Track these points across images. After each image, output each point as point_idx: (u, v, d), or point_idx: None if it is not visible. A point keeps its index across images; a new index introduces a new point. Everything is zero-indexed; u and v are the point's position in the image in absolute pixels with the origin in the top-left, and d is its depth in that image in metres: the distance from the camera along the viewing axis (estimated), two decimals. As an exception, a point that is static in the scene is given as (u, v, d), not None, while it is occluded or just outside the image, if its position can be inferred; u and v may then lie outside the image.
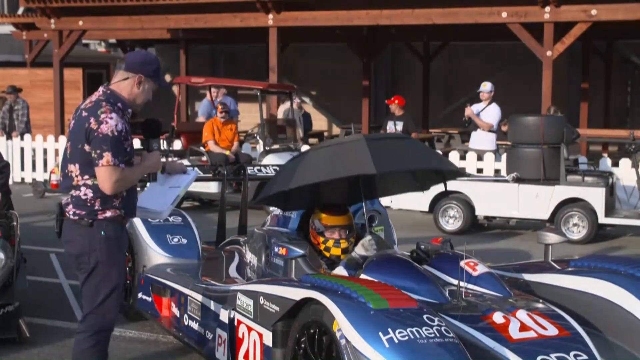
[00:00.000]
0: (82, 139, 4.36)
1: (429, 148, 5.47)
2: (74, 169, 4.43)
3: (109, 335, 4.63)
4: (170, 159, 11.35)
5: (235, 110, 14.74)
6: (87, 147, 4.35)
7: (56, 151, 15.46)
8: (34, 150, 15.67)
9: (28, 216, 11.21)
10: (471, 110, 12.37)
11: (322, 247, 5.40)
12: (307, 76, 23.53)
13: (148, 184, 4.99)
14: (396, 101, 13.34)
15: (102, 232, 4.43)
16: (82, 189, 4.42)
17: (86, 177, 4.40)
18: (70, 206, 4.48)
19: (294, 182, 5.05)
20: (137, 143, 4.98)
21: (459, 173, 5.78)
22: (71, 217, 4.47)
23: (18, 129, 15.89)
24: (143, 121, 4.85)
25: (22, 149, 15.71)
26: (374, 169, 4.79)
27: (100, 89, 4.55)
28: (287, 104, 14.60)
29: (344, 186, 5.61)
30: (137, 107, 4.63)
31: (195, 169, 5.01)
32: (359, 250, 5.25)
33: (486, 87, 12.46)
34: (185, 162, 12.09)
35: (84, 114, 4.40)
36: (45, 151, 15.59)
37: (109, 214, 4.45)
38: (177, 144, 13.96)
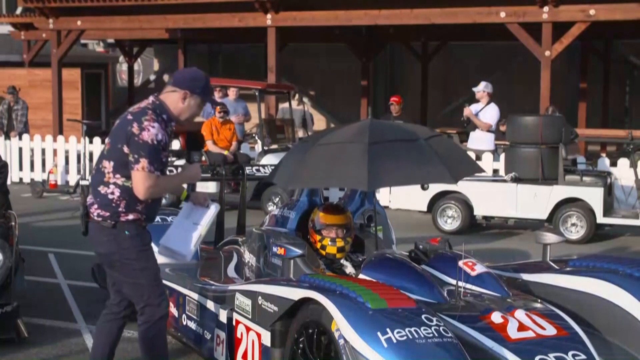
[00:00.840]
0: (122, 140, 4.51)
1: (441, 150, 5.12)
2: (107, 165, 4.59)
3: (167, 319, 4.80)
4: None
5: (248, 112, 14.54)
6: (125, 149, 4.50)
7: (54, 151, 15.46)
8: (32, 150, 15.66)
9: (26, 216, 11.21)
10: (470, 110, 12.37)
11: (318, 245, 5.41)
12: (306, 76, 23.53)
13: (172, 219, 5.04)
14: (401, 101, 13.51)
15: (126, 232, 4.59)
16: (112, 186, 4.57)
17: (117, 175, 4.56)
18: (95, 206, 4.63)
19: (293, 183, 5.11)
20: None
21: (475, 168, 5.53)
22: (95, 218, 4.63)
23: (17, 128, 15.88)
24: (186, 134, 4.93)
25: (20, 149, 15.70)
26: (365, 187, 4.79)
27: (151, 97, 4.69)
28: (286, 103, 14.59)
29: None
30: (182, 122, 4.79)
31: (216, 203, 5.07)
32: (348, 270, 5.30)
33: (479, 86, 12.44)
34: (184, 162, 12.08)
35: (129, 117, 4.56)
36: (43, 151, 15.58)
37: (131, 217, 4.60)
38: (176, 144, 13.94)
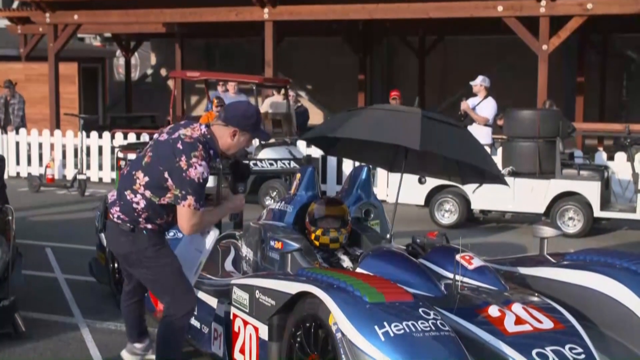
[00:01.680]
0: (165, 165, 4.56)
1: (481, 145, 5.58)
2: (141, 177, 4.66)
3: (192, 313, 4.92)
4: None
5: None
6: (166, 174, 4.56)
7: (51, 145, 15.46)
8: (29, 144, 15.65)
9: (24, 210, 11.20)
10: (467, 104, 12.35)
11: (312, 236, 5.44)
12: (303, 70, 23.51)
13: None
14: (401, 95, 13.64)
15: (144, 232, 4.72)
16: (139, 196, 4.66)
17: (148, 191, 4.65)
18: (117, 208, 4.74)
19: (340, 132, 5.16)
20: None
21: (501, 180, 5.53)
22: (115, 219, 4.75)
23: (14, 123, 15.87)
24: (232, 163, 4.99)
25: (17, 143, 15.69)
26: (417, 146, 4.82)
27: (203, 128, 4.69)
28: (274, 97, 14.56)
29: (390, 151, 5.72)
30: (229, 155, 4.87)
31: (215, 228, 5.08)
32: (346, 264, 5.31)
33: (477, 80, 12.42)
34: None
35: (180, 146, 4.55)
36: (40, 145, 15.57)
37: (149, 226, 4.74)
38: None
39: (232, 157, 5.29)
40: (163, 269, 4.73)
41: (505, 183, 5.57)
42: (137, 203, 4.66)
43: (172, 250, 4.88)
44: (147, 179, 4.63)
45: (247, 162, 5.54)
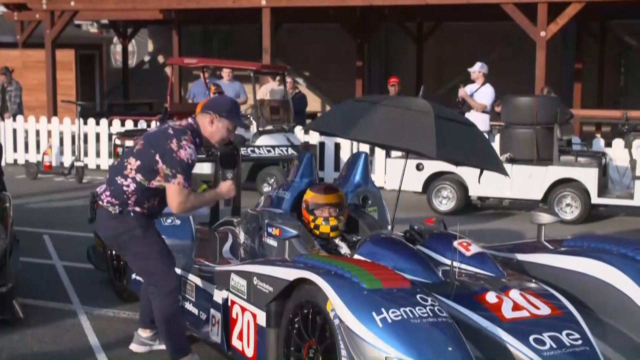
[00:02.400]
0: (157, 148, 4.87)
1: (489, 143, 5.46)
2: (133, 162, 4.93)
3: (179, 289, 5.23)
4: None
5: (243, 93, 14.41)
6: (157, 157, 4.85)
7: (49, 132, 15.44)
8: (26, 131, 15.64)
9: (21, 197, 11.19)
10: (465, 91, 12.33)
11: (312, 225, 5.44)
12: (301, 57, 23.46)
13: None
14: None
15: (132, 213, 4.96)
16: (129, 180, 4.93)
17: (139, 175, 4.91)
18: (107, 193, 5.00)
19: (354, 133, 5.10)
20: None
21: (503, 172, 5.38)
22: (104, 204, 5.00)
23: (10, 110, 15.84)
24: (221, 152, 5.15)
25: (14, 130, 15.68)
26: (434, 154, 4.75)
27: (190, 119, 5.06)
28: (269, 84, 14.53)
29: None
30: (212, 145, 5.17)
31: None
32: (343, 251, 5.33)
33: (475, 66, 12.39)
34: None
35: (170, 131, 4.93)
36: (37, 132, 15.56)
37: (137, 209, 4.97)
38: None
39: (220, 146, 5.44)
40: (151, 248, 4.98)
41: (505, 173, 5.48)
42: (127, 186, 4.91)
43: (158, 231, 5.12)
44: (138, 162, 4.90)
45: (235, 150, 5.63)
